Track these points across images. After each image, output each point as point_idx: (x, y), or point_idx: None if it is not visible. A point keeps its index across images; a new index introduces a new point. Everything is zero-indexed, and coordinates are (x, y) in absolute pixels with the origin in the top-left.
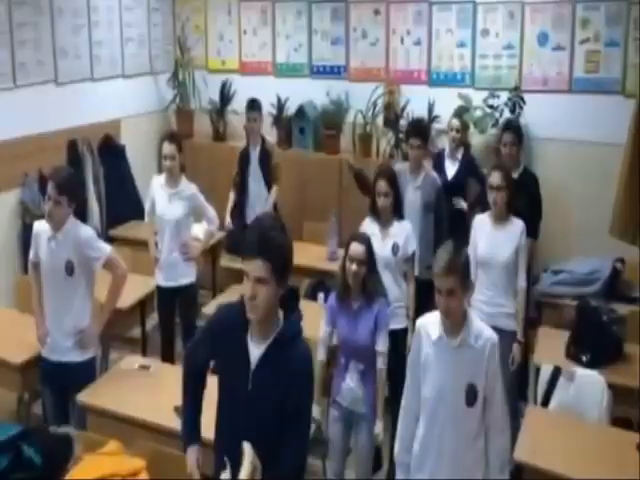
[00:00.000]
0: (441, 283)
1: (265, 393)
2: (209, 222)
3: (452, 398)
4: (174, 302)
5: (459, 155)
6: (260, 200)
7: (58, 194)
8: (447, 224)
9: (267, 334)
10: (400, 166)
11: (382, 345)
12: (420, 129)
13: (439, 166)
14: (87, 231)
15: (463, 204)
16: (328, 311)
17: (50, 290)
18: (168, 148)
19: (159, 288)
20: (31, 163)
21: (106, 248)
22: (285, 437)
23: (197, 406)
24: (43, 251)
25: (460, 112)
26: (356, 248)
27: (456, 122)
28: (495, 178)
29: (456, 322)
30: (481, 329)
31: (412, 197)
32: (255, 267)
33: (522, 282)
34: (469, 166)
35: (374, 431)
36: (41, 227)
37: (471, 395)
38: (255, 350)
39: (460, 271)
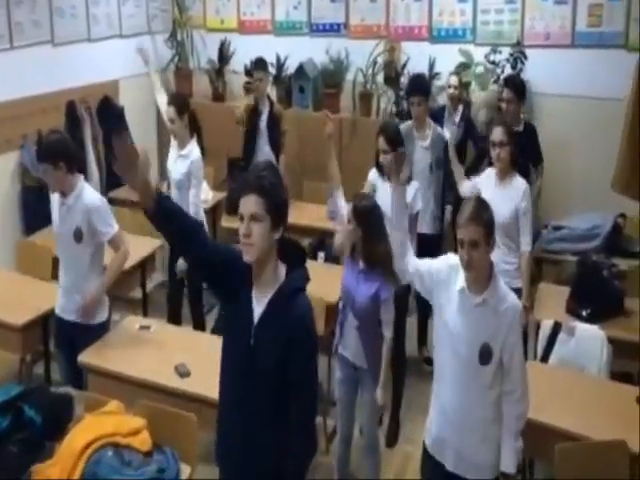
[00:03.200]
0: (464, 233)
1: (266, 348)
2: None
3: (465, 351)
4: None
5: (458, 114)
6: None
7: (40, 162)
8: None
9: (268, 290)
10: (405, 125)
11: (389, 314)
12: (420, 85)
13: (438, 124)
14: (96, 200)
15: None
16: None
17: (61, 254)
18: (167, 111)
19: None
20: (29, 125)
21: (114, 225)
22: (294, 401)
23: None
24: (55, 216)
25: (459, 70)
26: (349, 205)
27: (454, 79)
28: (497, 134)
29: (478, 278)
30: (506, 293)
31: (422, 156)
32: (249, 203)
33: (525, 246)
34: (467, 127)
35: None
36: (55, 195)
37: (485, 354)
38: (257, 306)
39: (484, 223)
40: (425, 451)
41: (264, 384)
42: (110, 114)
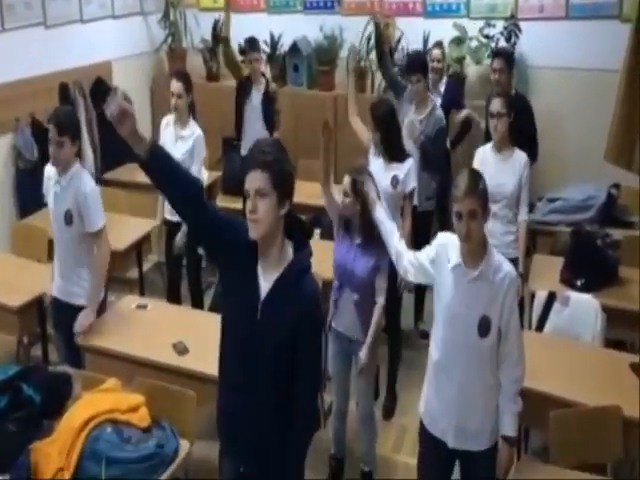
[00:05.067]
0: (462, 206)
1: (274, 322)
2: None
3: (464, 327)
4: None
5: (442, 88)
6: None
7: (59, 135)
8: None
9: (276, 268)
10: (409, 91)
11: (383, 281)
12: (420, 63)
13: None
14: (89, 188)
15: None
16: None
17: (55, 235)
18: (174, 85)
19: (166, 221)
20: (22, 108)
21: (101, 219)
22: (298, 377)
23: None
24: (50, 195)
25: (440, 43)
26: (344, 179)
27: (437, 52)
28: (495, 105)
29: (476, 250)
30: (500, 262)
31: (412, 128)
32: (254, 179)
33: (524, 215)
34: (451, 98)
35: (370, 358)
36: (49, 171)
37: (484, 326)
38: (264, 282)
39: (480, 193)
40: (423, 426)
41: (269, 359)
42: (104, 96)
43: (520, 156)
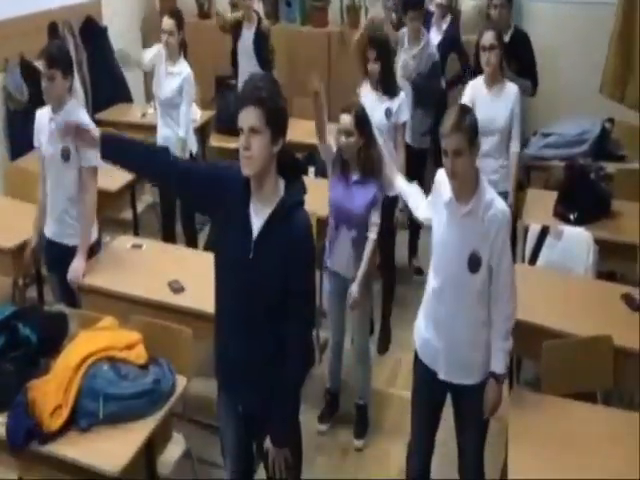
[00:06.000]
0: (448, 143)
1: (266, 261)
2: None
3: (456, 261)
4: None
5: (444, 25)
6: None
7: (49, 67)
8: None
9: (268, 205)
10: (400, 32)
11: (377, 217)
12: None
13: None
14: (84, 121)
15: (442, 82)
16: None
17: (49, 175)
18: (166, 22)
19: None
20: (11, 48)
21: (94, 158)
22: (293, 311)
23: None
24: (44, 134)
25: None
26: (343, 119)
27: None
28: (487, 37)
29: (464, 186)
30: (492, 200)
31: (406, 64)
32: (248, 115)
33: (515, 147)
34: (452, 39)
35: (364, 294)
36: (42, 113)
37: (473, 262)
38: (257, 220)
39: (466, 131)
40: (417, 358)
41: (264, 297)
42: (93, 35)
43: (511, 89)
